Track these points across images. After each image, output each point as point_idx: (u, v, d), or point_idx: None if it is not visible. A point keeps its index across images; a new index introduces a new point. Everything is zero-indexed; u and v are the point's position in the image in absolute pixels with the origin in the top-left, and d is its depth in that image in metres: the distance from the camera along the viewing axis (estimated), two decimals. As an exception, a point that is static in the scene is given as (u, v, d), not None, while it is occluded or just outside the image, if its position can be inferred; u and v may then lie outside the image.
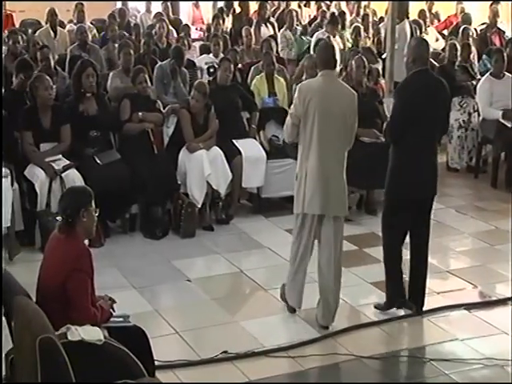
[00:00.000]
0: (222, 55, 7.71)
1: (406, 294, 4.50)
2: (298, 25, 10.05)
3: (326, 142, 4.25)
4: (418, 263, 4.49)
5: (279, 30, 9.88)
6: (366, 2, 12.39)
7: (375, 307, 4.58)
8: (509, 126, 6.89)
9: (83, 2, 9.60)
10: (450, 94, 4.63)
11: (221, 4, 11.50)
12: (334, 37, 9.30)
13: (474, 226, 5.96)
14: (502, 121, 6.92)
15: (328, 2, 11.67)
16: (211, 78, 7.10)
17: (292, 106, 4.45)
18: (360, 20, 10.58)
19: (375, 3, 12.49)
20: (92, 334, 3.05)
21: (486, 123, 7.14)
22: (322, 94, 4.28)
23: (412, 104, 4.30)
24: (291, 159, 6.27)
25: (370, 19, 10.67)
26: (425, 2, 11.65)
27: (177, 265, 5.22)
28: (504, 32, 9.54)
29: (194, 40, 9.93)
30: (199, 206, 5.86)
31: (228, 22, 10.43)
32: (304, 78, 7.05)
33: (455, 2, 11.31)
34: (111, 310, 3.41)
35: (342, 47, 9.11)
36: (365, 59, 6.67)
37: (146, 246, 5.60)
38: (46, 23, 9.06)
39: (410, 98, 4.32)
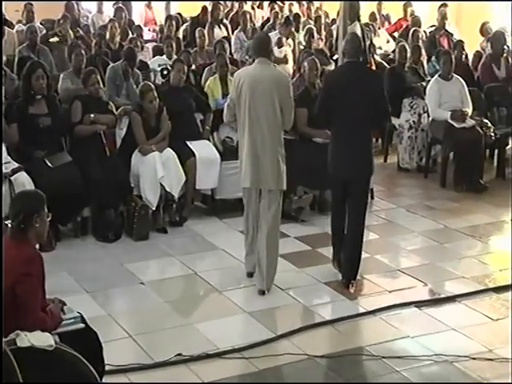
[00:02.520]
0: (175, 57, 7.68)
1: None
2: (251, 26, 10.08)
3: (256, 122, 4.71)
4: (350, 237, 4.90)
5: (232, 32, 9.90)
6: (318, 4, 12.51)
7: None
8: (457, 126, 7.01)
9: (32, 2, 9.44)
10: (380, 85, 4.95)
11: (175, 4, 11.46)
12: (287, 38, 9.37)
13: (424, 225, 6.07)
14: (451, 121, 7.04)
15: (281, 4, 11.73)
16: (164, 80, 7.07)
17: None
18: (313, 22, 10.67)
19: (327, 5, 12.63)
20: (42, 339, 3.01)
21: (435, 124, 7.26)
22: (253, 78, 4.72)
23: (334, 92, 4.79)
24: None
25: (323, 21, 10.77)
26: (376, 3, 11.74)
27: (130, 268, 5.18)
28: (452, 34, 9.71)
29: (147, 41, 9.87)
30: (153, 208, 5.82)
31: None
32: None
33: (404, 4, 11.44)
34: (61, 314, 3.36)
35: (293, 48, 9.20)
36: (317, 61, 6.72)
37: (99, 249, 5.54)
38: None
39: (333, 86, 4.84)
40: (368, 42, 9.12)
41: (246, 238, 5.05)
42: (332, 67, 8.26)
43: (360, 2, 8.40)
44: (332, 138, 5.04)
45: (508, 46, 8.41)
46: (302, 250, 5.53)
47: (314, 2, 12.10)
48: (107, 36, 8.54)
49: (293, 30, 9.49)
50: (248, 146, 4.75)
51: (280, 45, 9.08)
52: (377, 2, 11.71)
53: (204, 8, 10.42)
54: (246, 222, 5.04)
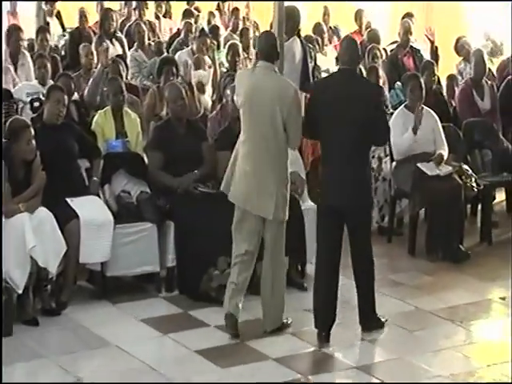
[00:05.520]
0: (50, 82, 7.71)
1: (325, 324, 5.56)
2: (153, 41, 10.25)
3: (254, 138, 5.45)
4: (356, 280, 5.69)
5: (129, 49, 10.06)
6: (244, 12, 12.85)
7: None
8: (429, 174, 7.20)
9: None
10: (378, 97, 5.71)
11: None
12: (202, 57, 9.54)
13: (389, 307, 6.16)
14: (421, 167, 7.24)
15: (196, 12, 11.99)
16: (35, 115, 7.05)
17: None
18: (238, 37, 10.93)
19: (257, 13, 13.00)
20: None
21: (400, 171, 7.43)
22: (251, 86, 5.46)
23: (322, 104, 5.49)
24: (148, 223, 6.35)
25: (251, 35, 11.01)
26: (322, 12, 12.08)
27: (-14, 376, 5.08)
28: (419, 51, 10.02)
29: (11, 61, 9.83)
30: (20, 291, 5.77)
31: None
32: (164, 112, 7.16)
33: (356, 12, 11.78)
34: None
35: (213, 71, 9.39)
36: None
37: None
38: None
39: (321, 96, 5.53)
40: (312, 64, 9.42)
41: (232, 271, 5.70)
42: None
43: (300, 10, 8.65)
44: (322, 160, 5.69)
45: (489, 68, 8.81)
46: (227, 344, 5.57)
47: (240, 11, 12.38)
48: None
49: (209, 43, 9.68)
50: (243, 163, 5.49)
51: (197, 66, 9.26)
52: (323, 11, 12.02)
53: (82, 15, 10.54)
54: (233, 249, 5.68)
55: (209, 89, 9.18)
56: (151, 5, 12.48)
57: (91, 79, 7.98)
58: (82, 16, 10.68)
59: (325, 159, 5.65)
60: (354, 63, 5.68)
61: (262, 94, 5.42)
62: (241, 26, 11.71)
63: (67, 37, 10.53)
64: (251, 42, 10.68)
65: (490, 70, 9.08)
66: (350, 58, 5.57)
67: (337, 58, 5.78)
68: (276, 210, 5.47)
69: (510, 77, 8.84)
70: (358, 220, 5.60)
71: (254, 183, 5.47)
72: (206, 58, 9.50)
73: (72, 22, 11.46)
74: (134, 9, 12.03)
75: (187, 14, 12.01)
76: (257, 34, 11.57)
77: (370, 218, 5.87)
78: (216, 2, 13.37)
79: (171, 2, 13.03)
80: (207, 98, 9.02)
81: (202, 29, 10.20)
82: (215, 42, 9.98)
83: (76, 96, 7.85)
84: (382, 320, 5.78)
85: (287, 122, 5.42)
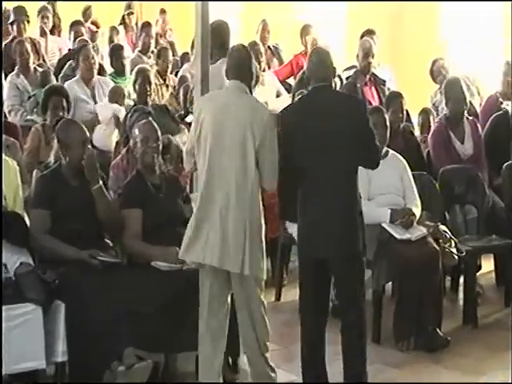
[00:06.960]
0: None
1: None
2: (40, 65, 10.22)
3: (218, 177, 5.71)
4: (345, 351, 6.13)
5: (6, 75, 10.00)
6: (159, 26, 12.90)
7: None
8: (397, 237, 7.26)
9: None
10: (363, 114, 5.97)
11: None
12: (87, 83, 9.59)
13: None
14: (388, 228, 7.31)
15: (93, 28, 11.99)
16: None
17: None
18: (152, 60, 11.00)
19: (174, 28, 13.08)
20: None
21: (361, 233, 7.51)
22: (218, 111, 5.78)
23: (297, 132, 5.83)
24: (31, 304, 6.23)
25: (170, 57, 11.05)
26: (260, 29, 12.17)
27: None
28: (384, 82, 10.16)
29: None
30: None
31: None
32: (52, 158, 7.10)
33: (302, 28, 11.87)
34: None
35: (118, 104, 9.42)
36: (157, 127, 6.90)
37: None
38: None
39: (295, 123, 5.89)
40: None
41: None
42: (185, 135, 8.42)
43: (233, 26, 8.70)
44: (300, 199, 5.93)
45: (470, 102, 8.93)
46: None
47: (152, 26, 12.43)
48: None
49: (95, 61, 9.74)
50: (202, 206, 5.75)
51: (113, 98, 9.29)
52: (260, 28, 12.11)
53: None
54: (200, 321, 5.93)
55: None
56: (33, 18, 12.42)
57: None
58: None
59: (303, 200, 5.90)
60: (330, 78, 5.98)
61: (230, 120, 5.75)
62: (153, 45, 11.82)
63: None
64: (170, 66, 10.78)
65: (471, 103, 9.19)
66: (324, 72, 5.96)
67: (307, 77, 6.13)
68: (251, 264, 5.69)
69: (498, 112, 9.05)
70: (347, 268, 5.88)
71: (218, 232, 5.70)
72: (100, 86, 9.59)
73: None
74: (12, 23, 12.01)
75: (75, 25, 12.18)
76: (176, 57, 11.64)
77: (362, 268, 6.12)
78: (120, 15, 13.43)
79: (61, 15, 13.03)
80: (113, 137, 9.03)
81: (83, 45, 10.19)
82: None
83: None
84: None
85: (260, 151, 5.73)
